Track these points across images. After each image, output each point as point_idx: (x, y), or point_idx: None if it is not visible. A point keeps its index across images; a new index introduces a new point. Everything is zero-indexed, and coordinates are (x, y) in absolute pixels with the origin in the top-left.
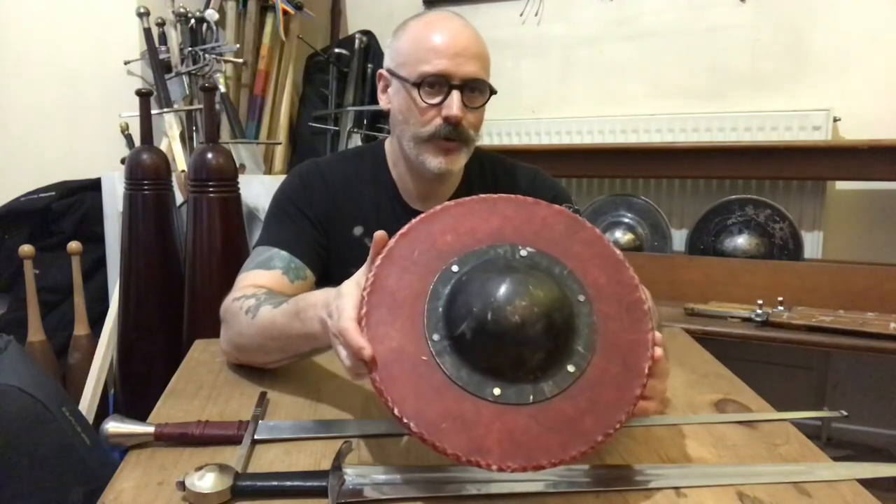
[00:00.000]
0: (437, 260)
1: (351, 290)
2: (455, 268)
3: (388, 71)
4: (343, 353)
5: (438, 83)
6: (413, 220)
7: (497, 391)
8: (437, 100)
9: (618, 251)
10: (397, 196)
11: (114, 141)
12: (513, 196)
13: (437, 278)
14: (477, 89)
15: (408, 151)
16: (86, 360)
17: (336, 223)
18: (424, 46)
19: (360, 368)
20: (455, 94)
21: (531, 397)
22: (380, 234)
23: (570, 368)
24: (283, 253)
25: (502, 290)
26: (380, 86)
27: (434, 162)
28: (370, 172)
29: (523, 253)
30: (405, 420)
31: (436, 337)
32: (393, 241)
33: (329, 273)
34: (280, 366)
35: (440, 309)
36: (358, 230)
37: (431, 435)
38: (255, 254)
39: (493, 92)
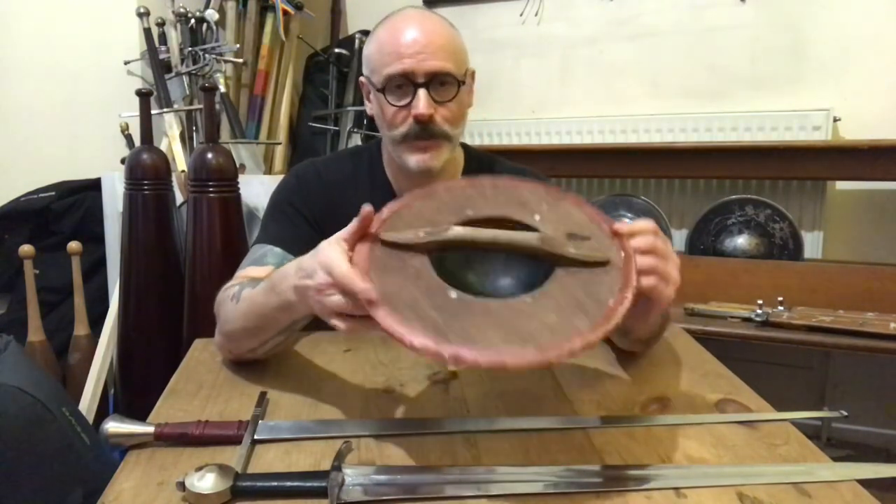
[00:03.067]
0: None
1: (332, 243)
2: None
3: (366, 78)
4: (336, 300)
5: (403, 84)
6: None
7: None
8: (404, 101)
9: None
10: (393, 196)
11: (114, 141)
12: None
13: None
14: (445, 82)
15: (392, 154)
16: (86, 360)
17: (333, 222)
18: (386, 50)
19: (357, 310)
20: (421, 93)
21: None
22: (367, 209)
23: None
24: (277, 249)
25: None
26: (363, 93)
27: (413, 160)
28: (367, 172)
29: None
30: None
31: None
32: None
33: None
34: (268, 351)
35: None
36: None
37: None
38: (251, 252)
39: (461, 83)
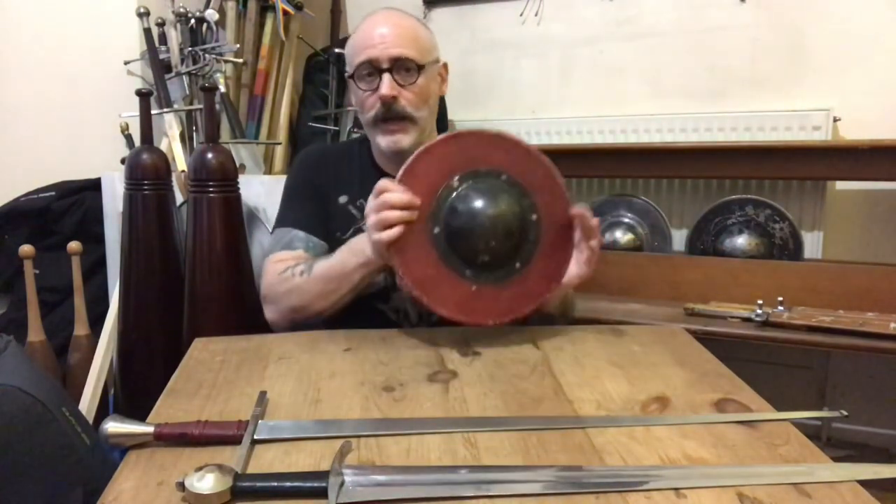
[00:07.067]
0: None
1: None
2: (455, 182)
3: (347, 74)
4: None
5: (369, 70)
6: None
7: (468, 272)
8: (372, 86)
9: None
10: (379, 169)
11: (114, 141)
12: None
13: (441, 191)
14: (408, 68)
15: (370, 138)
16: (86, 360)
17: (328, 193)
18: (357, 44)
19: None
20: (385, 77)
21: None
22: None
23: (517, 265)
24: (301, 233)
25: (482, 203)
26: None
27: (383, 142)
28: (358, 151)
29: (504, 177)
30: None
31: (436, 230)
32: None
33: None
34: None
35: (443, 212)
36: (343, 198)
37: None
38: (278, 235)
39: (420, 67)
